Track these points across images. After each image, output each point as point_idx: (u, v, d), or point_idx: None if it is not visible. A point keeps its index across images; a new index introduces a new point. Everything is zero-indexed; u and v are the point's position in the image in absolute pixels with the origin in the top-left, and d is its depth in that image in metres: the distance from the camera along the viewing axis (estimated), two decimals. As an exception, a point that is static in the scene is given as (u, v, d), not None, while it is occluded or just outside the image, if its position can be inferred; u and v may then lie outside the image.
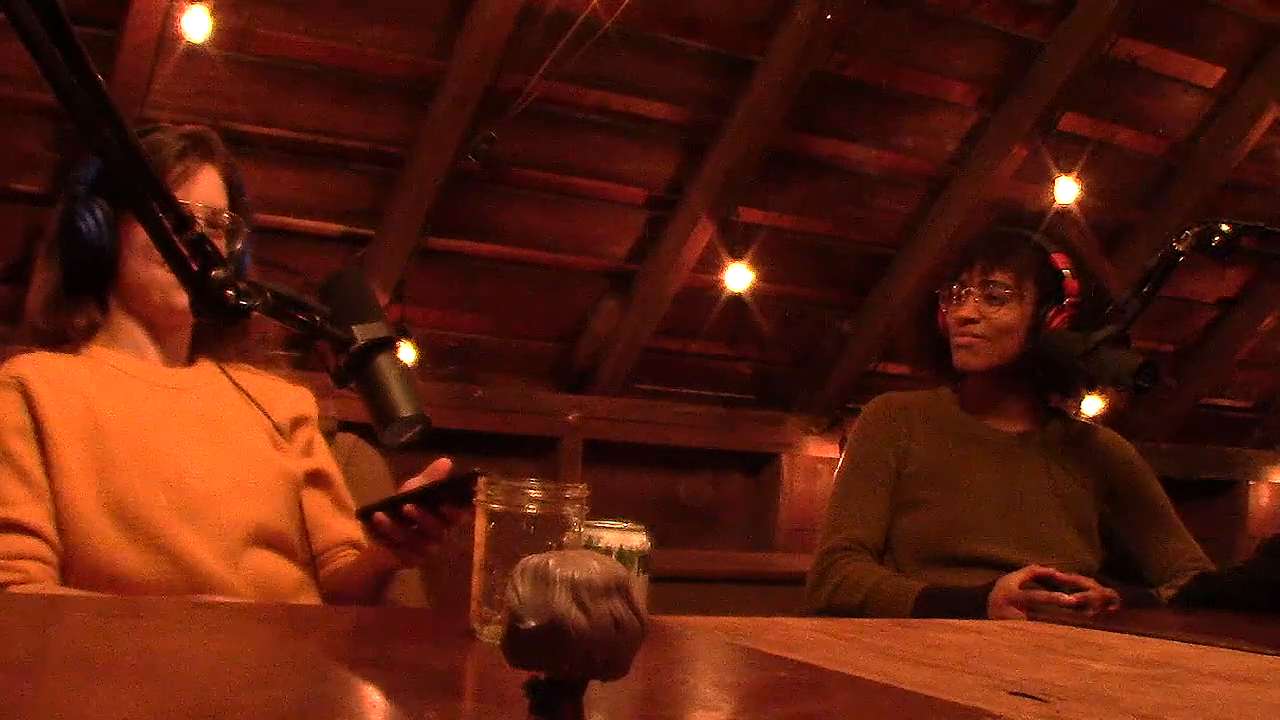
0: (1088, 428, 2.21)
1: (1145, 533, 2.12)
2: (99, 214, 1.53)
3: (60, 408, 1.47)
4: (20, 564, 1.40)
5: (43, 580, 1.41)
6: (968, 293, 2.09)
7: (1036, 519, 2.04)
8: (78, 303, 1.59)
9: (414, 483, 1.42)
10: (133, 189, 1.07)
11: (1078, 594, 1.77)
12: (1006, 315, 2.07)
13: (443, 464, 1.43)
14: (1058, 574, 1.80)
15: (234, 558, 1.49)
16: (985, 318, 2.07)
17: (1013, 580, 1.80)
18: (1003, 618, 1.76)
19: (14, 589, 1.38)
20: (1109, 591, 1.79)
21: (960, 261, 2.14)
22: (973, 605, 1.79)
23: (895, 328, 4.05)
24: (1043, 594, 1.77)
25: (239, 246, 1.63)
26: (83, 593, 1.40)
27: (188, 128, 1.66)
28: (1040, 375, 2.12)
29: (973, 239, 2.20)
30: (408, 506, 1.34)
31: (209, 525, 1.49)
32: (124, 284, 1.59)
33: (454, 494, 1.33)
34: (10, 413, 1.46)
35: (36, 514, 1.43)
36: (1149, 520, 2.13)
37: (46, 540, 1.43)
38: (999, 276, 2.07)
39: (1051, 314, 2.06)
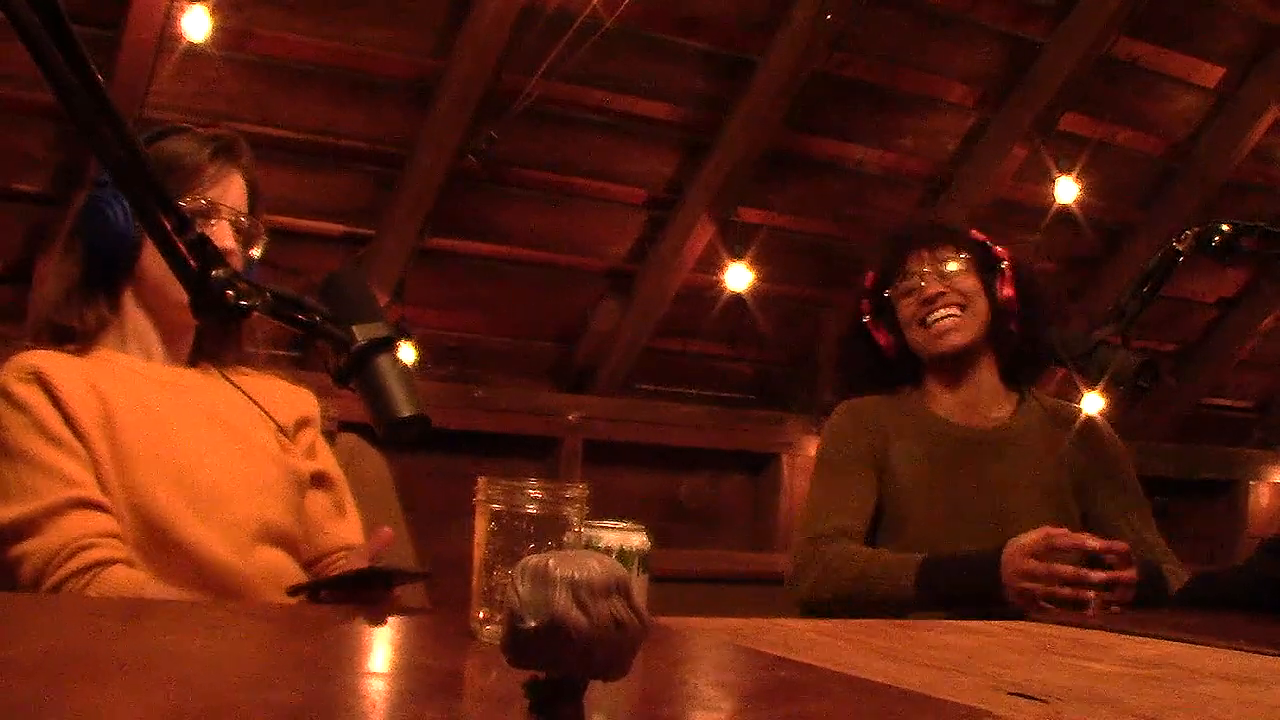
0: (1061, 406, 2.19)
1: (1117, 519, 2.07)
2: (125, 204, 1.53)
3: (77, 400, 1.47)
4: (113, 541, 1.41)
5: (129, 557, 1.42)
6: (925, 274, 2.07)
7: (1021, 522, 1.99)
8: (92, 297, 1.59)
9: (360, 552, 1.50)
10: (134, 190, 1.07)
11: (1106, 573, 1.72)
12: (966, 281, 2.08)
13: (385, 533, 1.48)
14: (1070, 538, 1.75)
15: (245, 553, 1.50)
16: (951, 288, 2.06)
17: (1025, 543, 1.74)
18: (1019, 588, 1.73)
19: (118, 569, 1.39)
20: (1131, 573, 1.73)
21: (891, 263, 2.12)
22: (983, 571, 1.76)
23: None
24: (1068, 569, 1.71)
25: (257, 253, 1.64)
26: (171, 589, 1.41)
27: (215, 131, 1.66)
28: (1004, 356, 2.11)
29: (887, 245, 2.19)
30: (324, 593, 1.37)
31: (219, 521, 1.49)
32: (143, 278, 1.59)
33: (372, 583, 1.36)
34: (41, 403, 1.46)
35: (100, 494, 1.44)
36: (1122, 507, 2.08)
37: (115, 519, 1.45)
38: (944, 252, 2.08)
39: (999, 282, 2.09)
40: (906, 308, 2.10)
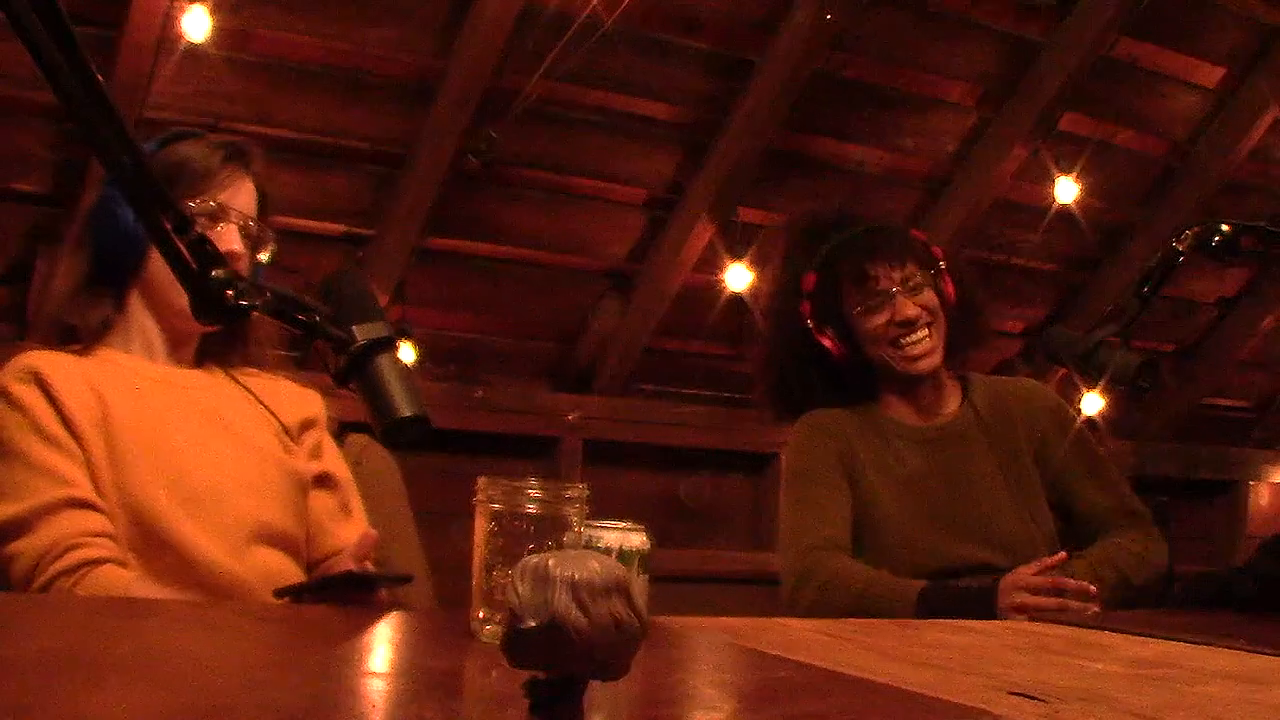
0: (1004, 383, 2.19)
1: (1076, 484, 2.07)
2: None
3: (75, 400, 1.48)
4: (103, 541, 1.41)
5: (120, 557, 1.42)
6: (896, 294, 2.02)
7: (992, 515, 2.00)
8: (97, 296, 1.59)
9: (345, 555, 1.49)
10: (135, 190, 1.07)
11: (1079, 603, 1.75)
12: (932, 298, 2.05)
13: (369, 535, 1.48)
14: (1045, 580, 1.77)
15: (240, 554, 1.50)
16: (925, 309, 2.03)
17: (1020, 580, 1.77)
18: (1011, 619, 1.74)
19: (106, 568, 1.39)
20: (1095, 608, 1.77)
21: (847, 270, 2.05)
22: (981, 604, 1.77)
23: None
24: (1050, 601, 1.75)
25: (265, 258, 1.64)
26: (160, 588, 1.41)
27: (229, 138, 1.67)
28: (948, 350, 2.09)
29: (836, 248, 2.08)
30: (306, 596, 1.38)
31: (214, 521, 1.49)
32: (149, 280, 1.59)
33: (355, 586, 1.36)
34: (39, 403, 1.47)
35: (95, 493, 1.44)
36: (1081, 473, 2.08)
37: (109, 518, 1.45)
38: (911, 268, 2.04)
39: (945, 284, 2.07)
40: (874, 324, 2.04)
